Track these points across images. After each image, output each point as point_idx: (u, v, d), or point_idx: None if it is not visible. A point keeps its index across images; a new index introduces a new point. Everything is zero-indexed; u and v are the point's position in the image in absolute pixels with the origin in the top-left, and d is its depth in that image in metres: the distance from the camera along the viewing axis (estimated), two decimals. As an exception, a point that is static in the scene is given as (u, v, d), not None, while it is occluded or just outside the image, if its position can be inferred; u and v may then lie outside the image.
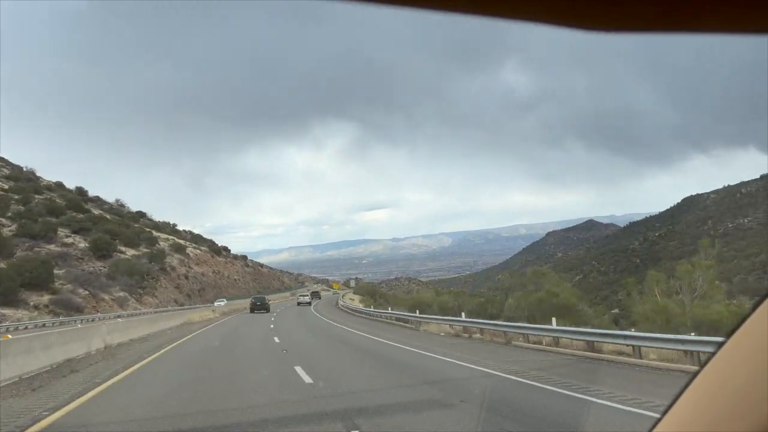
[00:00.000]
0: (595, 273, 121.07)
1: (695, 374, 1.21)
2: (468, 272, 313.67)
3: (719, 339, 1.26)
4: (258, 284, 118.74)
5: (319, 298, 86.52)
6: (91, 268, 62.48)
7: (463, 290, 64.75)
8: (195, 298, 79.52)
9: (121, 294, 60.33)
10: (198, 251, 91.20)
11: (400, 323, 34.03)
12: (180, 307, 65.20)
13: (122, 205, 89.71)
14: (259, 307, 56.24)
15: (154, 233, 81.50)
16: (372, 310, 47.64)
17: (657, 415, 1.33)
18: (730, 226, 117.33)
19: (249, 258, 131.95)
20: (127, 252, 70.31)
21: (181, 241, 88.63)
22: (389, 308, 43.74)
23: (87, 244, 65.40)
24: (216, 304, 70.51)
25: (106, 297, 58.01)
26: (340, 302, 66.93)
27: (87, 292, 56.00)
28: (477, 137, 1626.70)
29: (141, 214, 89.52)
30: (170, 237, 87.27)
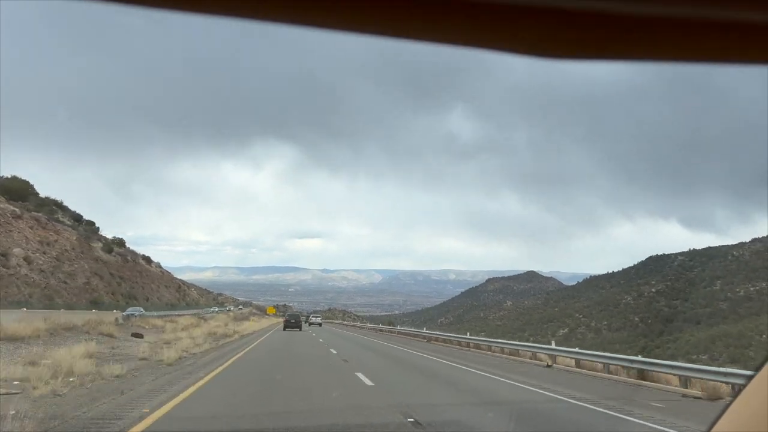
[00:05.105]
0: (583, 328, 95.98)
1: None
2: (397, 311, 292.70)
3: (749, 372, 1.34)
4: (117, 284, 68.42)
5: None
6: None
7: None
8: None
9: None
10: None
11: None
12: None
13: None
14: (293, 324, 56.89)
15: None
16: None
17: None
18: (751, 289, 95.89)
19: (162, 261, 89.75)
20: None
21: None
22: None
23: None
24: None
25: None
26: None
27: None
28: (417, 177, 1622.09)
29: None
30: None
